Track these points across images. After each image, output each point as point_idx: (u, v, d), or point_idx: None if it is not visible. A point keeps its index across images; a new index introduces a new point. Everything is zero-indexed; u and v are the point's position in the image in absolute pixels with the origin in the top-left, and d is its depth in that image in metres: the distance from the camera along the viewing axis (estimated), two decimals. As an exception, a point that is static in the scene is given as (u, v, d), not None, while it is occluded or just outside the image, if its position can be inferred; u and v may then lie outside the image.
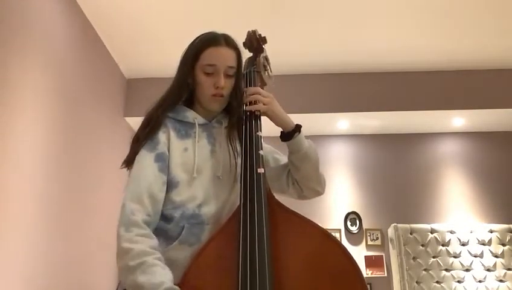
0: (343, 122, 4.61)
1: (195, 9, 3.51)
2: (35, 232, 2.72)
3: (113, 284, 3.83)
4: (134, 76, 4.43)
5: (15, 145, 2.55)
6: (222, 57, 1.36)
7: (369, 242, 4.46)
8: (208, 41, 1.37)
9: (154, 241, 1.17)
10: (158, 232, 1.22)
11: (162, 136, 1.32)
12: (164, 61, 4.03)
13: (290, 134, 1.38)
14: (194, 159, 1.32)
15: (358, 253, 4.36)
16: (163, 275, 1.09)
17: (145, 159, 1.28)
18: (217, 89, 1.35)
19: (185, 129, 1.37)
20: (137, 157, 1.29)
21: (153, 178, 1.25)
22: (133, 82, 4.45)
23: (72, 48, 3.33)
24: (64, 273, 3.05)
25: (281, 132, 1.40)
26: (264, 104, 1.37)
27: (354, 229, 4.48)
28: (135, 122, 4.27)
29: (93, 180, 3.55)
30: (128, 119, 4.33)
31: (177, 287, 1.06)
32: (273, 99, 1.40)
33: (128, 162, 1.33)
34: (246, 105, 1.39)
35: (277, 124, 1.39)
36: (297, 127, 1.39)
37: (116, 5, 3.47)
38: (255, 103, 1.38)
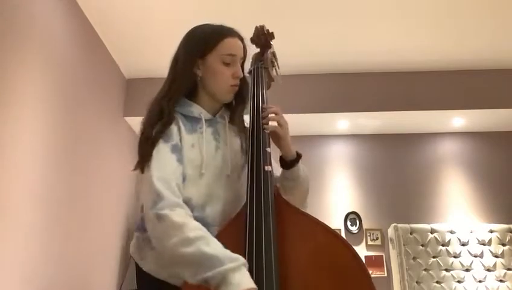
0: (343, 122, 4.61)
1: (195, 9, 3.51)
2: (34, 233, 2.71)
3: (114, 284, 3.83)
4: (134, 76, 4.43)
5: (15, 145, 2.54)
6: (239, 47, 1.36)
7: (369, 242, 4.46)
8: (223, 31, 1.36)
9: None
10: None
11: (173, 127, 1.28)
12: (164, 61, 4.02)
13: (291, 163, 1.36)
14: (201, 156, 1.29)
15: (359, 253, 4.34)
16: (232, 252, 1.05)
17: (163, 150, 1.23)
18: (235, 79, 1.34)
19: (191, 124, 1.33)
20: (155, 150, 1.22)
21: (174, 168, 1.21)
22: (133, 82, 4.44)
23: (72, 48, 3.32)
24: (64, 274, 3.04)
25: (281, 157, 1.38)
26: (280, 125, 1.34)
27: (354, 229, 4.48)
28: (135, 122, 4.26)
29: (93, 180, 3.55)
30: (128, 119, 4.32)
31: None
32: (287, 126, 1.37)
33: (143, 162, 1.23)
34: (262, 119, 1.35)
35: (281, 148, 1.37)
36: (299, 157, 1.37)
37: (116, 5, 3.47)
38: (273, 120, 1.34)
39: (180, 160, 1.25)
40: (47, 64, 2.94)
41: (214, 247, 1.04)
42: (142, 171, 1.23)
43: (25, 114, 2.66)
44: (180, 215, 1.09)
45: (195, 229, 1.07)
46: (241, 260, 1.02)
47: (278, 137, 1.35)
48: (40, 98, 2.83)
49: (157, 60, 4.04)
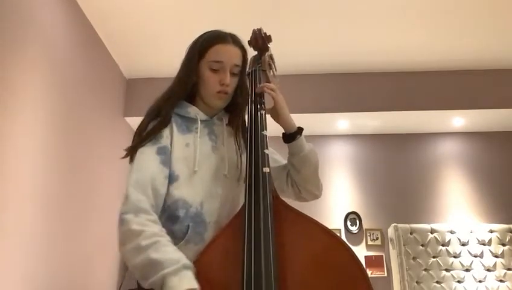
0: (343, 122, 4.61)
1: (195, 9, 3.51)
2: (35, 233, 2.71)
3: (114, 284, 3.83)
4: (134, 76, 4.43)
5: (15, 146, 2.54)
6: (229, 54, 1.37)
7: (369, 242, 4.46)
8: (215, 38, 1.38)
9: (162, 228, 1.16)
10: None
11: (165, 130, 1.32)
12: (164, 61, 4.04)
13: (292, 135, 1.39)
14: (194, 154, 1.31)
15: (358, 253, 4.36)
16: (179, 253, 1.09)
17: (148, 151, 1.27)
18: (222, 86, 1.36)
19: (187, 125, 1.37)
20: (140, 150, 1.27)
21: (156, 171, 1.24)
22: (133, 82, 4.45)
23: (72, 48, 3.32)
24: (65, 274, 3.05)
25: (283, 133, 1.41)
26: (273, 90, 1.40)
27: (354, 229, 4.48)
28: (135, 122, 4.22)
29: (93, 180, 3.55)
30: (128, 119, 4.33)
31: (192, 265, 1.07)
32: (283, 98, 1.43)
33: (131, 152, 1.30)
34: (258, 93, 1.41)
35: (282, 121, 1.40)
36: (300, 129, 1.40)
37: (116, 6, 3.47)
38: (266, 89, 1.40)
39: (166, 163, 1.27)
40: (47, 64, 2.94)
41: (162, 252, 1.07)
42: (131, 160, 1.29)
43: (25, 115, 2.66)
44: (140, 223, 1.12)
45: (150, 236, 1.10)
46: (181, 262, 1.05)
47: (276, 111, 1.39)
48: (40, 98, 2.83)
49: (157, 60, 4.09)
